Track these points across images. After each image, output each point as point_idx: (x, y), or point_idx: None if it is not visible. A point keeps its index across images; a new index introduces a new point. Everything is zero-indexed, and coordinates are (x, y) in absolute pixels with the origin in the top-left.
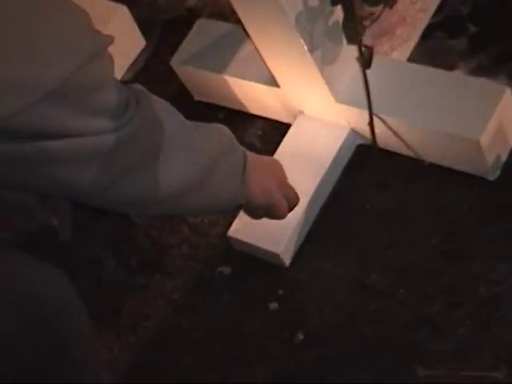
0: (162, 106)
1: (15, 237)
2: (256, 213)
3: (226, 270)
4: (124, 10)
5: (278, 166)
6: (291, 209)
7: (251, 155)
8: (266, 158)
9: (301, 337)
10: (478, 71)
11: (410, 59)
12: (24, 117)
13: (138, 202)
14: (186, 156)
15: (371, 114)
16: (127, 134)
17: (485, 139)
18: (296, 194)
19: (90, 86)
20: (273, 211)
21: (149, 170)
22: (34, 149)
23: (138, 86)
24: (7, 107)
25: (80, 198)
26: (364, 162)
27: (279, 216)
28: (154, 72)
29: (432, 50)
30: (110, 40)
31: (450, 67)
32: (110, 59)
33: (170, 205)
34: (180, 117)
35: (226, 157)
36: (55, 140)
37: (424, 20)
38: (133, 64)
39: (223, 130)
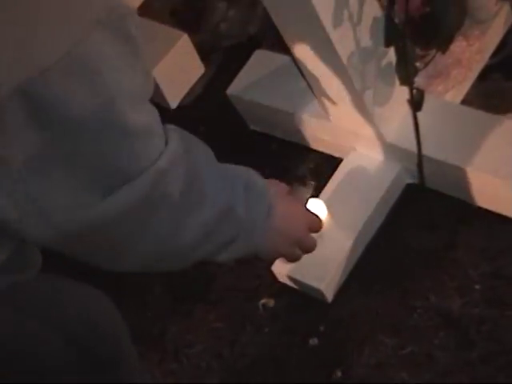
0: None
1: None
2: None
3: (270, 302)
4: (185, 38)
5: (300, 223)
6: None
7: (278, 207)
8: (292, 210)
9: (339, 374)
10: None
11: (466, 100)
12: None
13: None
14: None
15: (420, 155)
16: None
17: None
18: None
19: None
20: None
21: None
22: None
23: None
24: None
25: None
26: (413, 202)
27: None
28: (212, 99)
29: (488, 91)
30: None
31: (505, 110)
32: None
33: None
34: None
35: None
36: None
37: (481, 61)
38: (191, 90)
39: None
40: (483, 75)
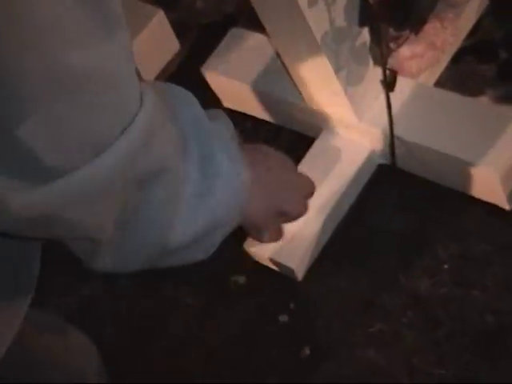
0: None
1: None
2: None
3: (241, 279)
4: (160, 14)
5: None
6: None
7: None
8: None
9: (307, 352)
10: (505, 99)
11: (438, 82)
12: None
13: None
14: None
15: (392, 136)
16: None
17: (502, 170)
18: (309, 182)
19: None
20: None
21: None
22: None
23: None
24: None
25: None
26: (384, 182)
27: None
28: (186, 77)
29: (461, 74)
30: None
31: (478, 93)
32: None
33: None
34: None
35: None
36: None
37: (455, 44)
38: (166, 67)
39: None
40: (456, 58)
